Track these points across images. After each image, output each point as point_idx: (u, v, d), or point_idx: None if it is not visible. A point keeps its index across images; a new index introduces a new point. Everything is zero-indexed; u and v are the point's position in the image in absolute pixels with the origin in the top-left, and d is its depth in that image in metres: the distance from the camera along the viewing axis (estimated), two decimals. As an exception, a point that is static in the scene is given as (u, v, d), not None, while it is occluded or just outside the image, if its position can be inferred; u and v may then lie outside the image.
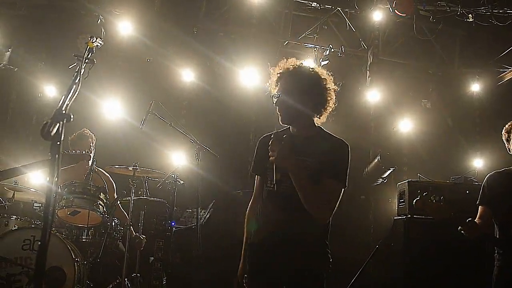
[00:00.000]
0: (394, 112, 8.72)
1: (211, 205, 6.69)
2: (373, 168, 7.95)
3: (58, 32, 8.06)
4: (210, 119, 8.16)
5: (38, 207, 5.60)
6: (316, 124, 3.29)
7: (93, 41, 2.91)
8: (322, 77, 3.23)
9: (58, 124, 2.15)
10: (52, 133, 2.11)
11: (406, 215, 5.91)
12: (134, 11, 7.85)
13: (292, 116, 3.21)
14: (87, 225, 5.51)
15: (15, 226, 5.37)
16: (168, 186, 6.10)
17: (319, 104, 3.21)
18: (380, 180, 7.99)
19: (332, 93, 3.24)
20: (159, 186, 6.32)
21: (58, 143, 2.15)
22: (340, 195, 3.11)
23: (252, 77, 8.10)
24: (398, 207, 6.31)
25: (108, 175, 6.20)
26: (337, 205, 3.09)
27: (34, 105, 7.96)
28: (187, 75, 8.16)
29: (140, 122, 5.96)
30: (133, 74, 8.19)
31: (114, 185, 6.28)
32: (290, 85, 3.18)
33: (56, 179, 2.13)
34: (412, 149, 8.61)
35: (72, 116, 2.24)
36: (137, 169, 5.66)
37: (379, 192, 8.28)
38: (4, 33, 7.80)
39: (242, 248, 3.37)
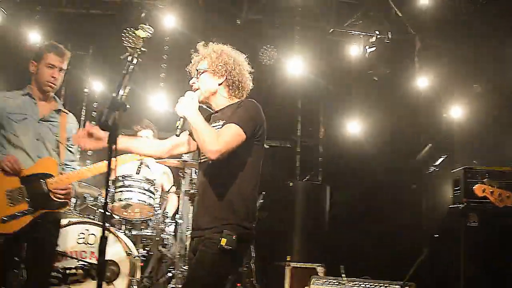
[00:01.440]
0: (444, 98, 8.48)
1: (261, 196, 6.63)
2: (425, 155, 7.76)
3: (103, 27, 8.16)
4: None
5: (90, 201, 5.66)
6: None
7: (144, 30, 2.88)
8: None
9: (114, 113, 2.12)
10: (109, 122, 2.08)
11: (463, 203, 5.72)
12: (177, 4, 7.86)
13: None
14: (139, 218, 5.55)
15: (69, 220, 5.45)
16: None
17: None
18: (432, 168, 7.79)
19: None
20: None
21: (115, 132, 2.12)
22: (237, 133, 3.07)
23: (297, 66, 8.00)
24: (453, 195, 6.11)
25: (162, 166, 6.23)
26: (233, 145, 3.05)
27: (82, 99, 8.06)
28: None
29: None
30: (177, 67, 8.19)
31: (170, 177, 6.31)
32: None
33: (113, 169, 2.10)
34: (463, 135, 8.37)
35: (127, 106, 2.22)
36: (186, 161, 5.64)
37: (431, 180, 8.08)
38: (51, 29, 7.91)
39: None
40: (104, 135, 3.17)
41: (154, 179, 5.81)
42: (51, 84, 4.07)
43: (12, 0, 7.96)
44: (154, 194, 5.68)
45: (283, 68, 8.17)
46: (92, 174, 4.09)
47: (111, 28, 7.90)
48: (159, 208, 5.82)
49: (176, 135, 3.23)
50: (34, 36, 7.67)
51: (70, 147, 4.26)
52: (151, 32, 2.94)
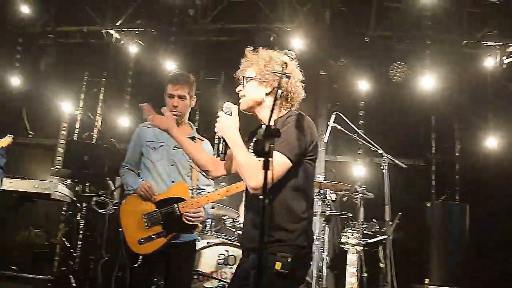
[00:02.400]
0: None
1: (397, 218, 6.43)
2: None
3: (232, 53, 8.40)
4: (390, 128, 7.91)
5: (229, 222, 5.80)
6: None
7: (289, 56, 2.90)
8: None
9: (269, 141, 2.14)
10: (265, 150, 2.11)
11: None
12: (304, 26, 7.94)
13: None
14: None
15: (208, 242, 5.61)
16: (354, 198, 5.96)
17: None
18: None
19: None
20: (344, 199, 6.22)
21: (269, 158, 2.14)
22: (280, 163, 2.80)
23: (429, 81, 7.75)
24: None
25: None
26: (276, 175, 2.76)
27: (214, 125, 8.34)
28: (362, 85, 8.02)
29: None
30: (307, 88, 8.24)
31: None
32: None
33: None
34: None
35: (280, 131, 2.24)
36: (322, 182, 5.62)
37: None
38: (184, 58, 8.31)
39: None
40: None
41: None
42: (175, 113, 4.24)
43: (149, 33, 8.47)
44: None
45: (414, 84, 7.94)
46: (220, 197, 4.19)
47: (240, 54, 8.13)
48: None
49: (220, 159, 3.13)
50: (169, 65, 8.06)
51: None
52: (293, 57, 2.96)
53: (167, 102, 4.30)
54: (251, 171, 2.80)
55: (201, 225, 4.25)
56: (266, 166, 2.14)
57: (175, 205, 4.08)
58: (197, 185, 4.37)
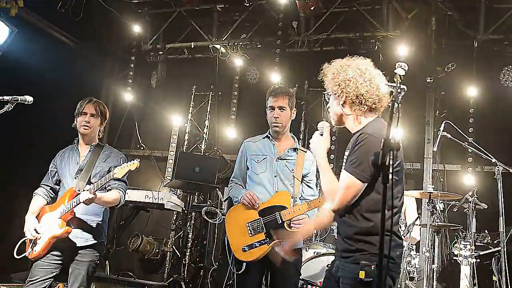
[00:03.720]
0: None
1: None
2: None
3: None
4: (501, 135, 7.57)
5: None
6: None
7: (402, 68, 2.90)
8: None
9: (389, 154, 2.18)
10: (386, 163, 2.15)
11: None
12: (409, 33, 7.83)
13: None
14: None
15: (315, 252, 5.68)
16: (466, 209, 5.79)
17: None
18: None
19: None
20: (454, 209, 6.07)
21: (389, 172, 2.17)
22: (350, 186, 2.90)
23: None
24: None
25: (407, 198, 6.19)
26: (349, 198, 2.91)
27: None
28: (471, 91, 7.76)
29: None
30: (410, 97, 8.09)
31: (414, 208, 6.25)
32: None
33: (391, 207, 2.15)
34: None
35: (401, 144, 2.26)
36: (431, 192, 5.51)
37: None
38: (289, 69, 8.42)
39: None
40: None
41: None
42: (276, 124, 4.43)
43: (254, 46, 8.70)
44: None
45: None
46: (321, 204, 4.20)
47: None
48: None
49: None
50: (274, 77, 8.21)
51: (308, 182, 4.52)
52: (406, 69, 2.95)
53: (268, 115, 4.47)
54: (329, 193, 3.01)
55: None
56: (385, 180, 2.17)
57: (277, 213, 4.18)
58: (301, 195, 4.45)
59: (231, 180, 4.62)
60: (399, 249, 3.06)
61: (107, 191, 4.30)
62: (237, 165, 4.62)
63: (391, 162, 2.16)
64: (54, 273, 4.24)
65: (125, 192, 4.42)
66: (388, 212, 2.90)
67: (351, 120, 3.14)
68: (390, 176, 2.18)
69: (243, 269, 4.14)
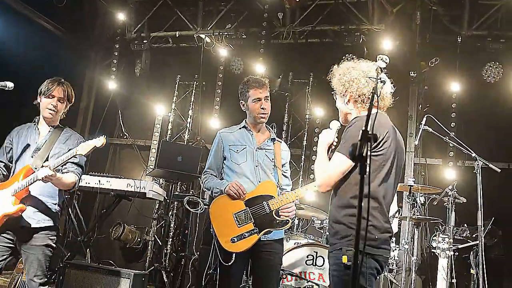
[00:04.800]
0: None
1: (490, 223, 6.25)
2: None
3: (321, 54, 8.48)
4: (482, 130, 7.64)
5: (318, 224, 5.86)
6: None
7: (383, 60, 2.91)
8: None
9: (366, 145, 2.18)
10: (363, 154, 2.15)
11: None
12: (393, 26, 7.88)
13: None
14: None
15: (296, 242, 5.70)
16: (445, 202, 5.84)
17: None
18: None
19: None
20: (434, 203, 6.12)
21: (367, 163, 2.18)
22: (339, 162, 3.12)
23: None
24: None
25: None
26: (337, 173, 3.13)
27: (303, 126, 8.44)
28: (454, 86, 7.83)
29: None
30: (397, 89, 8.13)
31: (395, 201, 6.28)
32: None
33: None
34: None
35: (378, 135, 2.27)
36: (412, 185, 5.56)
37: None
38: (274, 60, 8.44)
39: None
40: None
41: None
42: (263, 115, 4.43)
43: (239, 36, 8.67)
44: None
45: (508, 85, 7.62)
46: (306, 193, 4.25)
47: (328, 55, 8.18)
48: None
49: None
50: (259, 68, 8.21)
51: (285, 172, 4.54)
52: (387, 61, 2.97)
53: (252, 106, 4.41)
54: (317, 173, 3.29)
55: (291, 221, 4.32)
56: (363, 171, 2.18)
57: (265, 202, 4.18)
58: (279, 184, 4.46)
59: (205, 172, 4.52)
60: (383, 234, 3.12)
61: (63, 174, 4.10)
62: (213, 156, 4.53)
63: (368, 153, 2.16)
64: (5, 256, 4.04)
65: (81, 178, 4.27)
66: (365, 199, 3.01)
67: (354, 116, 3.35)
68: (368, 169, 2.18)
69: (233, 260, 4.10)
